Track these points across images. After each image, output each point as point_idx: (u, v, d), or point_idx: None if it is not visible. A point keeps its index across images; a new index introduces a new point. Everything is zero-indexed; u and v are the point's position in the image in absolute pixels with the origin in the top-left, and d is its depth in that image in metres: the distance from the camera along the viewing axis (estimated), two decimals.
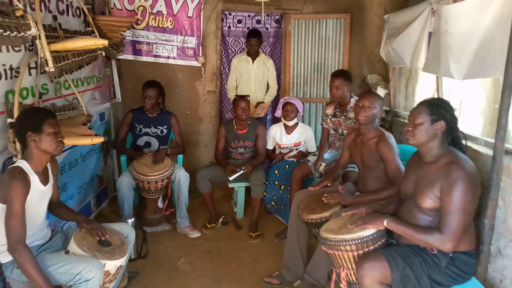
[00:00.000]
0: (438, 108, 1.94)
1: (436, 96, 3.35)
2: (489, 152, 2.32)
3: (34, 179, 2.04)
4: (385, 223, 1.94)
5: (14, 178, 1.91)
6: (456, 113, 2.80)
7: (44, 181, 2.13)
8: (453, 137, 2.01)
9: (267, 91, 4.42)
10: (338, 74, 3.27)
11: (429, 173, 1.95)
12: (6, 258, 2.02)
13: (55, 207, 2.37)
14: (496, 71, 2.22)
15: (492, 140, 2.21)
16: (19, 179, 1.92)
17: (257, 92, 4.35)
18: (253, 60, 4.28)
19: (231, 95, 4.34)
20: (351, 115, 3.25)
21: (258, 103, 4.30)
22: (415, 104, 4.04)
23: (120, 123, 3.75)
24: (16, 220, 1.88)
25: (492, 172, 2.14)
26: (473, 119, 2.90)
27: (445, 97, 3.20)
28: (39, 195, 2.08)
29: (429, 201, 1.90)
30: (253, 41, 4.18)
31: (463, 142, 2.02)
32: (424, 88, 3.88)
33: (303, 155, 3.73)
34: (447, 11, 2.57)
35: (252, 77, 4.30)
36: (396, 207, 2.21)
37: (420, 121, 1.94)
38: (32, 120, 2.01)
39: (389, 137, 2.54)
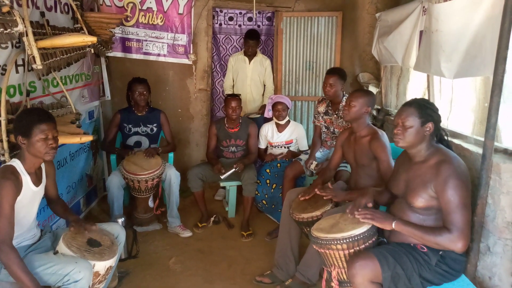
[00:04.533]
0: (427, 110, 1.95)
1: (427, 95, 3.37)
2: (479, 150, 2.33)
3: (27, 180, 2.02)
4: (393, 225, 1.92)
5: (5, 178, 1.89)
6: (447, 112, 2.83)
7: (37, 182, 2.10)
8: (439, 135, 2.03)
9: (264, 92, 4.41)
10: (333, 72, 3.26)
11: (420, 173, 1.96)
12: None
13: (54, 203, 2.37)
14: (486, 70, 2.23)
15: (482, 139, 2.23)
16: (10, 179, 1.90)
17: (253, 92, 4.34)
18: (250, 60, 4.27)
19: (229, 93, 4.32)
20: None
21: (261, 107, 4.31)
22: None
23: (109, 124, 3.71)
24: (3, 221, 1.86)
25: (482, 170, 2.15)
26: (464, 117, 2.92)
27: (436, 95, 3.22)
28: (30, 195, 2.05)
29: (421, 200, 1.91)
30: (251, 43, 4.17)
31: (447, 138, 2.06)
32: (415, 86, 3.90)
33: (293, 155, 3.72)
34: (438, 10, 2.58)
35: (248, 77, 4.29)
36: (389, 198, 2.21)
37: (410, 124, 1.94)
38: (23, 124, 1.98)
39: (382, 135, 2.54)
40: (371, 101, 2.60)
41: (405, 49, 3.33)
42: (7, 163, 2.01)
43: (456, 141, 2.62)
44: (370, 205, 2.10)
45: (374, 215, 1.97)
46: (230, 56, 4.49)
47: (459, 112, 2.95)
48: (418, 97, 2.14)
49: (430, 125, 1.94)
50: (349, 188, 2.76)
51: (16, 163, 2.00)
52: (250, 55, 4.27)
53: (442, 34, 2.56)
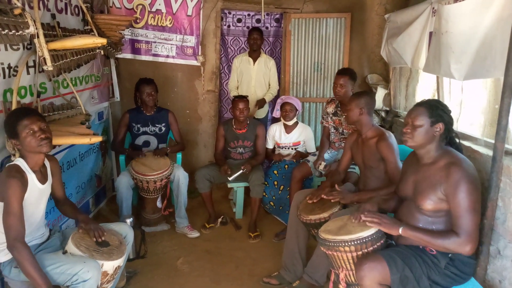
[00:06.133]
0: (437, 110, 1.94)
1: (436, 96, 3.34)
2: (489, 152, 2.31)
3: (32, 178, 2.04)
4: (400, 230, 1.91)
5: (10, 176, 1.91)
6: (457, 114, 2.80)
7: (42, 179, 2.12)
8: (449, 138, 2.02)
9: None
10: (344, 72, 3.24)
11: (428, 175, 1.95)
12: (4, 257, 2.02)
13: (61, 204, 2.39)
14: (497, 72, 2.21)
15: (492, 141, 2.21)
16: (16, 177, 1.92)
17: (257, 93, 4.32)
18: (254, 61, 4.24)
19: (234, 94, 4.30)
20: None
21: (258, 101, 4.25)
22: None
23: (118, 124, 3.74)
24: (14, 218, 1.88)
25: (492, 172, 2.13)
26: (474, 119, 2.89)
27: (446, 97, 3.19)
28: (37, 193, 2.08)
29: (430, 203, 1.90)
30: (255, 34, 4.13)
31: (458, 141, 2.05)
32: (425, 88, 3.87)
33: (301, 156, 3.71)
34: (448, 11, 2.56)
35: (253, 78, 4.27)
36: (396, 205, 2.20)
37: (419, 123, 1.93)
38: (8, 127, 2.01)
39: (390, 137, 2.53)
40: (363, 101, 2.58)
41: (415, 51, 3.31)
42: (11, 163, 2.03)
43: (466, 143, 2.60)
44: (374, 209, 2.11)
45: (381, 220, 1.96)
46: (235, 57, 4.46)
47: (469, 114, 2.93)
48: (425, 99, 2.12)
49: (440, 126, 1.93)
50: (357, 190, 2.75)
51: (20, 161, 2.03)
52: (256, 50, 4.20)
53: (452, 35, 2.54)
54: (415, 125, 1.94)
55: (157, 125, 3.69)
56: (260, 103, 4.23)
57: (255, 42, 4.15)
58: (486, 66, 2.30)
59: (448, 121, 1.96)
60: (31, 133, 1.98)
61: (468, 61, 2.44)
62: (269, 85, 4.37)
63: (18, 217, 1.90)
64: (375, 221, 1.96)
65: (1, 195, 1.91)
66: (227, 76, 5.26)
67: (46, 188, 2.17)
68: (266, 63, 4.27)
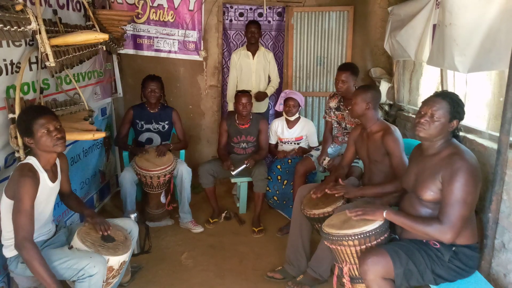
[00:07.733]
0: (458, 108, 1.92)
1: (440, 90, 3.32)
2: (494, 145, 2.30)
3: (44, 176, 2.05)
4: (384, 214, 1.95)
5: (24, 176, 1.91)
6: None
7: (53, 178, 2.14)
8: (455, 131, 2.01)
9: (268, 83, 4.37)
10: (345, 68, 3.22)
11: (430, 165, 1.95)
12: (10, 252, 2.03)
13: (66, 198, 2.40)
14: (501, 64, 2.20)
15: (497, 134, 2.20)
16: (29, 176, 1.93)
17: (258, 87, 4.29)
18: (253, 54, 4.21)
19: (231, 95, 4.21)
20: None
21: (258, 94, 4.20)
22: (419, 98, 4.02)
23: (122, 120, 3.74)
24: (24, 217, 1.89)
25: (497, 166, 2.13)
26: (478, 112, 2.87)
27: (450, 90, 3.17)
28: (47, 192, 2.09)
29: (430, 193, 1.90)
30: (253, 27, 4.09)
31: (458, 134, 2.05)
32: (429, 81, 3.84)
33: (304, 152, 3.70)
34: (452, 3, 2.53)
35: (254, 72, 4.24)
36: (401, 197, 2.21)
37: (440, 117, 1.91)
38: (23, 125, 2.00)
39: (395, 131, 2.52)
40: (370, 96, 2.57)
41: (418, 43, 3.29)
42: (24, 161, 2.03)
43: (470, 136, 2.59)
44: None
45: (364, 210, 2.01)
46: (232, 52, 4.40)
47: (473, 107, 2.91)
48: (432, 92, 2.11)
49: (455, 123, 1.93)
50: (361, 184, 2.74)
51: (33, 160, 2.03)
52: (254, 43, 4.15)
53: (456, 27, 2.52)
54: (435, 118, 1.91)
55: (160, 123, 3.69)
56: (260, 96, 4.18)
57: (253, 35, 4.11)
58: (490, 58, 2.28)
59: (462, 118, 1.95)
60: (47, 132, 1.99)
61: (472, 53, 2.42)
62: (269, 78, 4.33)
63: (29, 216, 1.90)
64: (359, 213, 2.01)
65: (13, 193, 1.92)
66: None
67: (56, 186, 2.19)
68: (265, 56, 4.24)
